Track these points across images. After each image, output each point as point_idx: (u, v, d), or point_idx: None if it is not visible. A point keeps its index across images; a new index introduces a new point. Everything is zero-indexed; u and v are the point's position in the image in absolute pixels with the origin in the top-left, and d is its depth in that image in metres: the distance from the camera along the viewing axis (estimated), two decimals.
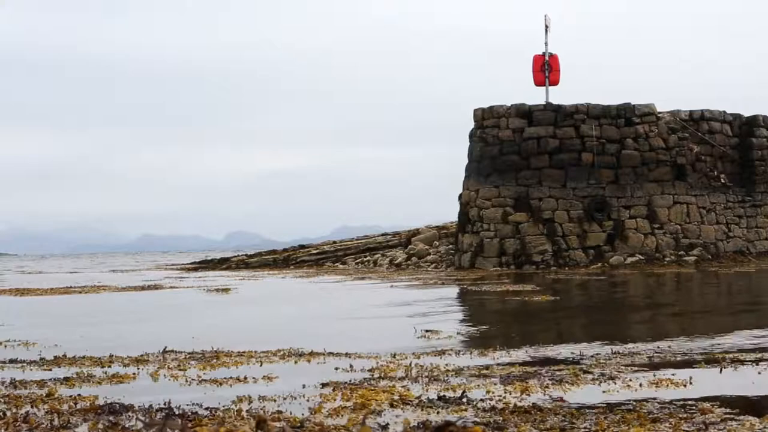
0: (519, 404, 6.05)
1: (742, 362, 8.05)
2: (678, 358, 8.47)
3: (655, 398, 6.31)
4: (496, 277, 25.13)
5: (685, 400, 6.20)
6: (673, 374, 7.32)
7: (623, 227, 30.55)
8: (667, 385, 6.82)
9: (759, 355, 8.47)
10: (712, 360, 8.22)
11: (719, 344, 9.50)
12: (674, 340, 9.90)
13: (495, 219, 31.01)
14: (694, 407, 5.90)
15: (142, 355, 9.20)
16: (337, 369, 8.02)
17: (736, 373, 7.52)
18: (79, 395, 6.75)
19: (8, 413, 6.00)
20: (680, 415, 5.64)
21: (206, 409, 6.08)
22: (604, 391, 6.67)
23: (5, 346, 10.41)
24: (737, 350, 8.95)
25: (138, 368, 8.30)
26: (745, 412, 5.72)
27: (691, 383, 6.91)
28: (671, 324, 12.97)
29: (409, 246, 36.25)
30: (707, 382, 7.05)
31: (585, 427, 5.38)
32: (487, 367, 7.98)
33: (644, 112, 31.67)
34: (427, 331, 11.27)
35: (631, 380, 7.08)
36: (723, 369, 7.67)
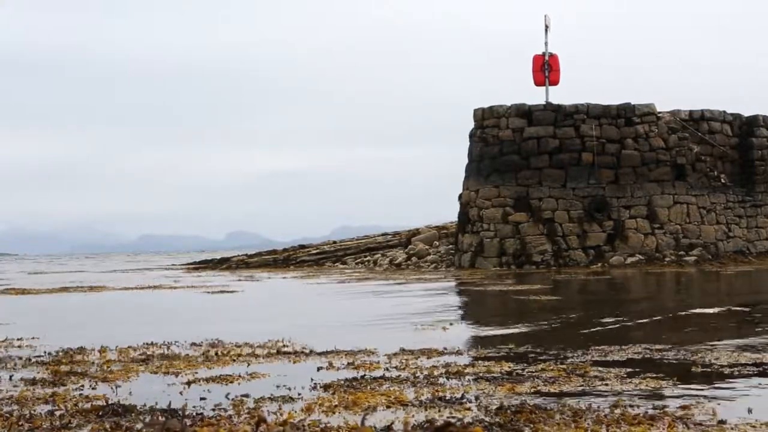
0: (519, 404, 6.06)
1: None
2: None
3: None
4: (497, 277, 25.12)
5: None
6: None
7: (623, 227, 30.57)
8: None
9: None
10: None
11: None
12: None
13: (495, 219, 31.04)
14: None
15: (142, 354, 9.21)
16: (336, 368, 8.04)
17: None
18: (81, 395, 6.76)
19: (9, 413, 6.01)
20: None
21: (207, 409, 6.10)
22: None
23: (7, 347, 10.42)
24: None
25: (140, 368, 8.31)
26: None
27: None
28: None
29: (409, 246, 36.27)
30: None
31: (586, 426, 5.39)
32: (487, 367, 7.99)
33: (644, 112, 31.71)
34: (424, 327, 11.29)
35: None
36: None
